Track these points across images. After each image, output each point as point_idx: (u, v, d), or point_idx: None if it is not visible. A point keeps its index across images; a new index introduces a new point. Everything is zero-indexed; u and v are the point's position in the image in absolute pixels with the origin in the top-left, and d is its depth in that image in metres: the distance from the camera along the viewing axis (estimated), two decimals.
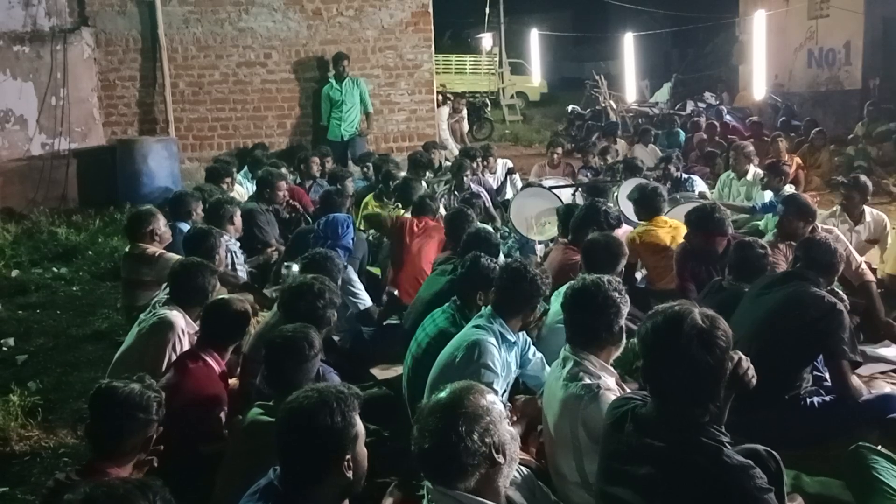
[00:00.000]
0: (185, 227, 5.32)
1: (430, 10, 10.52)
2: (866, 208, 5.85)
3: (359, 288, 4.84)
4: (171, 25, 9.86)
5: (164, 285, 4.04)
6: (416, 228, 5.71)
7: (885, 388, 3.72)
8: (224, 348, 3.45)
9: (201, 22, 9.96)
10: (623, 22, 22.95)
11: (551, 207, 6.33)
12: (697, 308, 2.16)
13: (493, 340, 3.18)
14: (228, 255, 5.12)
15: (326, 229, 5.52)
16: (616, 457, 2.23)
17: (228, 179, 7.15)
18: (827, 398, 3.35)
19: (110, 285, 6.53)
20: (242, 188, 7.78)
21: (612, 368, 2.81)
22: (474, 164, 7.91)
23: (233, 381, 3.65)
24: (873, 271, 5.09)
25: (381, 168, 7.75)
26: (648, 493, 2.10)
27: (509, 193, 8.13)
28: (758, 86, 14.16)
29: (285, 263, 5.26)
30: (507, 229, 6.86)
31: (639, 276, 5.39)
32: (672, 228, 5.21)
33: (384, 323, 4.97)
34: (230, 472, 2.75)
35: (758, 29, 13.48)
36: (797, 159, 10.02)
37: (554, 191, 6.96)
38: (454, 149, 12.72)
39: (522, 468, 2.36)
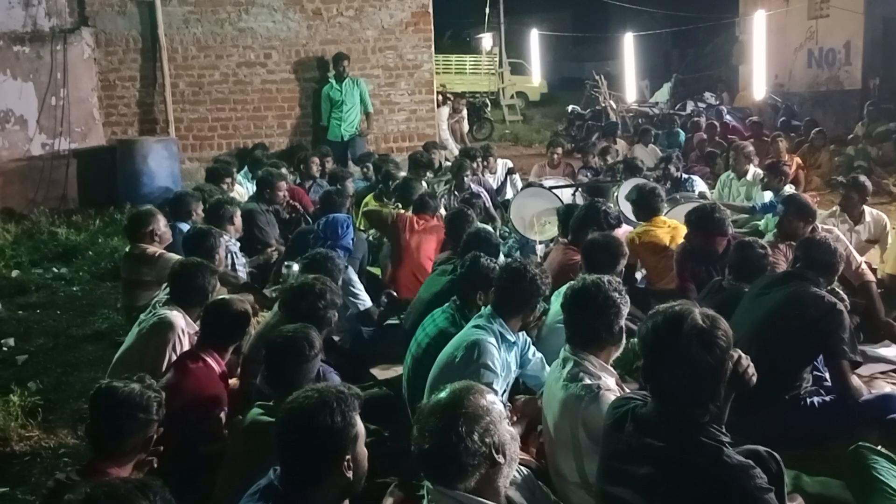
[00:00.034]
0: (186, 227, 5.32)
1: (430, 10, 10.52)
2: (866, 208, 5.85)
3: (359, 288, 4.84)
4: (171, 25, 9.86)
5: (165, 285, 4.04)
6: (416, 225, 5.73)
7: (885, 388, 3.71)
8: (224, 348, 3.45)
9: (201, 22, 9.97)
10: (623, 22, 22.95)
11: (551, 207, 6.33)
12: (698, 308, 2.16)
13: (492, 340, 3.18)
14: (228, 255, 5.13)
15: (326, 230, 5.52)
16: (616, 456, 2.23)
17: (228, 180, 7.15)
18: (827, 398, 3.35)
19: (110, 285, 6.53)
20: (242, 188, 7.78)
21: (611, 369, 2.81)
22: (474, 165, 7.91)
23: (233, 382, 3.65)
24: (873, 271, 5.09)
25: (381, 168, 7.75)
26: (648, 493, 2.10)
27: (509, 193, 8.13)
28: (758, 86, 14.16)
29: (285, 263, 5.26)
30: (507, 229, 6.86)
31: (638, 276, 5.38)
32: (671, 228, 5.22)
33: (384, 323, 4.98)
34: (230, 473, 2.75)
35: (758, 29, 13.49)
36: (797, 159, 10.03)
37: (554, 191, 6.96)
38: (454, 149, 12.72)
39: (522, 468, 2.36)
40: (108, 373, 3.67)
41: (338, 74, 9.89)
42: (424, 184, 7.20)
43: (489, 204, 7.38)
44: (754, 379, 2.24)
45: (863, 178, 6.09)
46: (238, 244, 5.48)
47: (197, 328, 3.67)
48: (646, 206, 5.38)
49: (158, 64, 9.88)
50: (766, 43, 13.52)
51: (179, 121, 10.04)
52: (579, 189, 7.41)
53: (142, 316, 3.91)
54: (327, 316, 3.41)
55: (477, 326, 3.25)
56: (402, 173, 7.68)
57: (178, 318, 3.69)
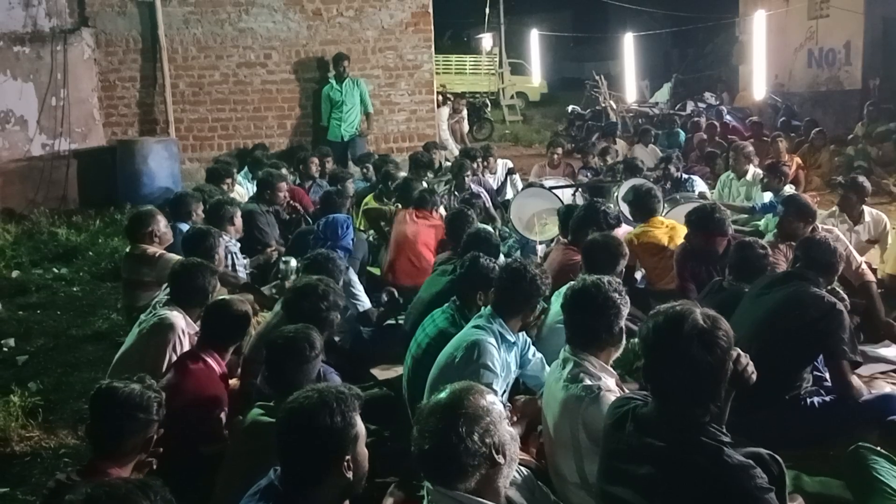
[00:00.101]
0: (186, 227, 5.32)
1: (430, 10, 10.52)
2: (866, 208, 5.85)
3: (359, 290, 4.86)
4: (172, 26, 9.87)
5: (165, 286, 4.05)
6: (414, 218, 5.86)
7: (885, 388, 3.71)
8: (224, 349, 3.46)
9: (201, 22, 9.97)
10: (623, 22, 22.95)
11: (551, 208, 6.33)
12: (699, 308, 2.16)
13: (492, 341, 3.18)
14: (229, 255, 5.13)
15: (326, 230, 5.52)
16: (617, 456, 2.23)
17: (229, 180, 7.15)
18: (827, 398, 3.35)
19: (110, 286, 6.54)
20: (243, 189, 7.78)
21: (611, 369, 2.81)
22: (474, 165, 7.91)
23: (233, 382, 3.65)
24: (873, 271, 5.09)
25: (381, 168, 7.76)
26: (649, 493, 2.11)
27: (509, 194, 8.13)
28: (758, 86, 14.15)
29: (283, 258, 5.28)
30: (507, 229, 6.86)
31: (638, 275, 5.38)
32: (669, 228, 5.21)
33: (384, 323, 4.98)
34: (230, 473, 2.75)
35: (758, 29, 13.48)
36: (797, 159, 10.03)
37: (554, 191, 6.96)
38: (454, 149, 12.73)
39: (522, 468, 2.36)
40: (109, 373, 3.67)
41: (338, 75, 9.90)
42: (425, 184, 7.20)
43: (489, 204, 7.39)
44: (754, 377, 2.24)
45: (861, 178, 6.08)
46: (238, 245, 5.48)
47: (197, 328, 3.67)
48: (642, 206, 5.38)
49: (158, 64, 9.88)
50: (766, 43, 13.52)
51: (179, 121, 10.04)
52: (579, 189, 7.41)
53: (142, 316, 3.91)
54: (329, 317, 3.41)
55: (477, 327, 3.25)
56: (403, 173, 7.68)
57: (178, 318, 3.69)
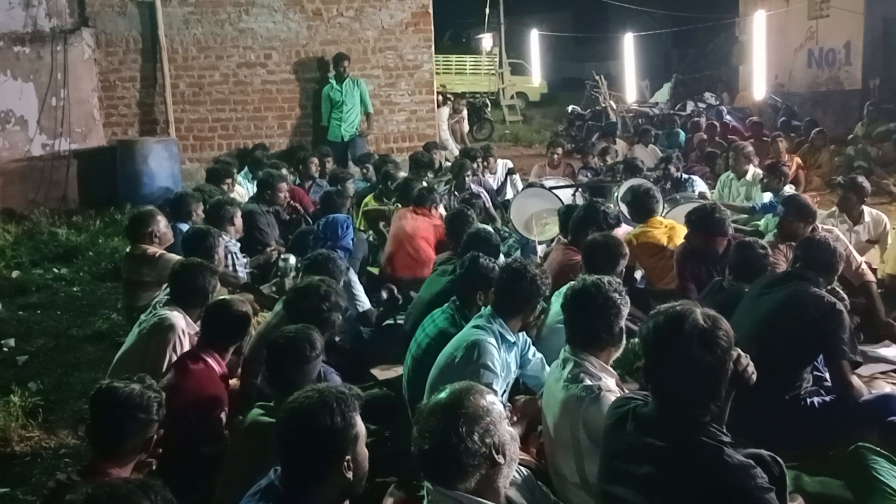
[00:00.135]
0: (186, 227, 5.32)
1: (430, 10, 10.52)
2: (865, 209, 5.84)
3: (359, 290, 4.86)
4: (172, 26, 9.87)
5: (165, 286, 4.05)
6: (413, 215, 5.94)
7: (885, 388, 3.71)
8: (225, 349, 3.46)
9: (201, 23, 9.97)
10: (623, 22, 22.95)
11: (552, 208, 6.34)
12: (699, 308, 2.16)
13: (492, 341, 3.18)
14: (229, 255, 5.13)
15: (326, 230, 5.53)
16: (617, 456, 2.23)
17: (229, 180, 7.16)
18: (827, 398, 3.35)
19: (111, 286, 6.54)
20: (243, 189, 7.79)
21: (611, 369, 2.81)
22: (474, 165, 7.92)
23: (233, 382, 3.65)
24: (873, 271, 5.09)
25: (381, 168, 7.77)
26: (649, 493, 2.11)
27: (509, 194, 8.13)
28: (758, 86, 14.15)
29: (282, 256, 5.28)
30: (507, 229, 6.86)
31: (638, 275, 5.38)
32: (668, 228, 5.21)
33: (384, 323, 4.99)
34: (231, 473, 2.75)
35: (758, 29, 13.48)
36: (797, 159, 10.03)
37: (554, 191, 6.96)
38: (454, 149, 12.73)
39: (522, 468, 2.36)
40: (109, 373, 3.67)
41: (338, 75, 9.90)
42: (425, 184, 7.20)
43: (489, 204, 7.39)
44: (754, 378, 2.24)
45: (860, 178, 6.08)
46: (238, 245, 5.48)
47: (197, 329, 3.67)
48: (641, 207, 5.38)
49: (159, 64, 9.88)
50: (766, 43, 13.51)
51: (180, 121, 10.04)
52: (580, 189, 7.41)
53: (142, 316, 3.91)
54: (331, 318, 3.40)
55: (477, 327, 3.25)
56: (402, 173, 7.69)
57: (178, 318, 3.69)
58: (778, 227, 5.02)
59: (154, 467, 2.62)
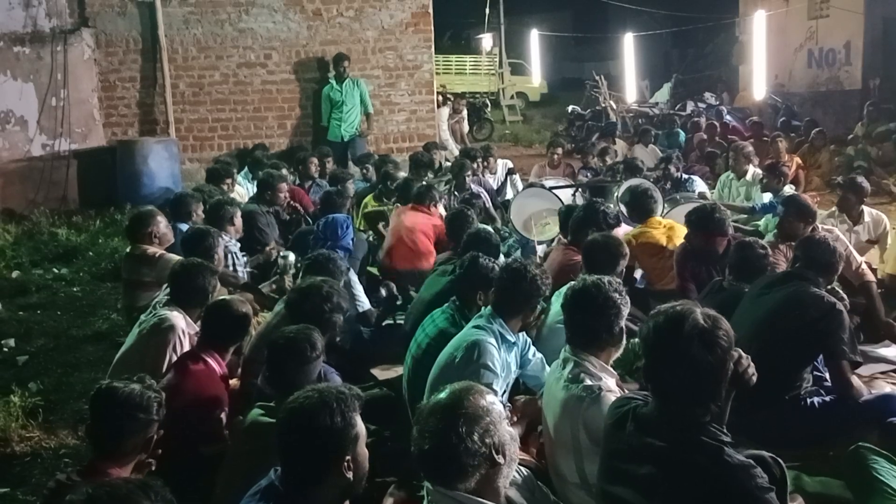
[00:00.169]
0: (186, 227, 5.32)
1: (430, 10, 10.53)
2: (865, 209, 5.84)
3: (359, 290, 4.87)
4: (172, 26, 9.87)
5: (165, 286, 4.05)
6: (414, 212, 6.00)
7: (885, 388, 3.71)
8: (225, 349, 3.46)
9: (201, 23, 9.97)
10: (623, 22, 22.96)
11: (552, 208, 6.34)
12: (699, 308, 2.16)
13: (492, 341, 3.18)
14: (229, 255, 5.13)
15: (326, 230, 5.53)
16: (617, 456, 2.23)
17: (229, 180, 7.16)
18: (827, 398, 3.35)
19: (111, 286, 6.54)
20: (243, 189, 7.79)
21: (612, 369, 2.81)
22: (474, 165, 7.92)
23: (233, 382, 3.65)
24: (873, 271, 5.09)
25: (381, 168, 7.77)
26: (649, 493, 2.11)
27: (509, 194, 8.13)
28: (758, 86, 14.14)
29: (281, 253, 5.28)
30: (508, 230, 6.86)
31: (637, 275, 5.38)
32: (667, 229, 5.21)
33: (383, 323, 4.99)
34: (231, 473, 2.75)
35: (758, 29, 13.47)
36: (797, 159, 10.04)
37: (554, 191, 6.96)
38: (454, 149, 12.73)
39: (522, 468, 2.36)
40: (109, 373, 3.67)
41: (338, 75, 9.90)
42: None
43: (489, 204, 7.40)
44: (755, 378, 2.24)
45: (860, 178, 6.08)
46: (238, 245, 5.48)
47: (197, 329, 3.67)
48: (639, 207, 5.38)
49: (159, 65, 9.88)
50: (766, 43, 13.51)
51: (180, 121, 10.04)
52: (580, 189, 7.41)
53: (142, 317, 3.91)
54: (332, 319, 3.39)
55: (477, 327, 3.25)
56: (402, 174, 7.69)
57: (178, 318, 3.69)
58: (778, 227, 5.02)
59: (153, 468, 2.62)
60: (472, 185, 7.53)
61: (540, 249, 6.06)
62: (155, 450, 2.63)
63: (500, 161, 9.23)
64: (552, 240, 6.05)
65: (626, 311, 2.83)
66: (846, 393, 3.27)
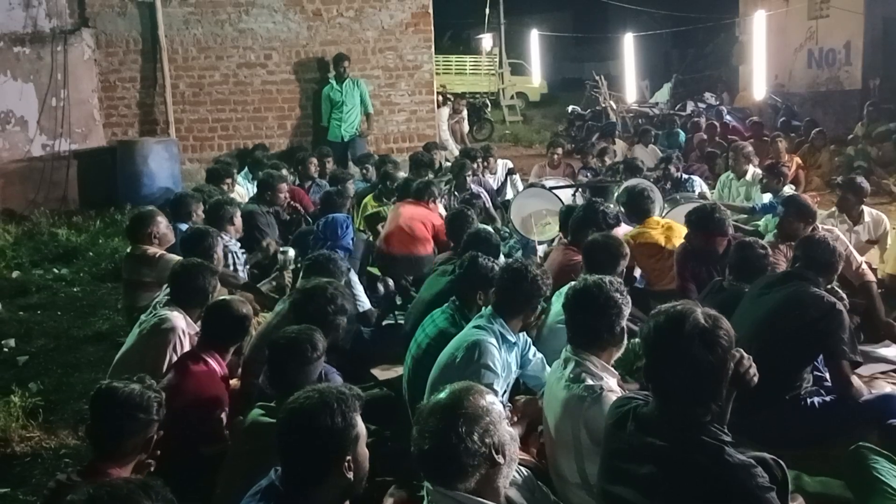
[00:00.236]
0: (186, 228, 5.32)
1: (430, 10, 10.53)
2: (865, 209, 5.84)
3: (359, 290, 4.86)
4: (172, 27, 9.87)
5: (165, 286, 4.05)
6: (413, 206, 6.09)
7: (885, 388, 3.71)
8: (225, 349, 3.46)
9: (201, 23, 9.97)
10: (623, 22, 22.96)
11: (552, 208, 6.34)
12: (700, 307, 2.16)
13: (493, 341, 3.18)
14: (230, 255, 5.13)
15: (326, 230, 5.53)
16: (618, 456, 2.23)
17: (229, 180, 7.16)
18: (827, 398, 3.34)
19: (111, 286, 6.54)
20: (243, 189, 7.79)
21: (613, 369, 2.81)
22: (474, 165, 7.92)
23: (233, 382, 3.66)
24: (873, 271, 5.09)
25: (381, 168, 7.78)
26: (650, 492, 2.11)
27: (509, 194, 8.14)
28: (758, 86, 14.14)
29: (281, 249, 5.28)
30: (508, 230, 6.86)
31: (637, 274, 5.38)
32: (665, 228, 5.20)
33: (383, 323, 4.99)
34: (231, 473, 2.76)
35: (758, 29, 13.47)
36: (797, 159, 10.03)
37: (554, 191, 6.96)
38: (454, 149, 12.73)
39: (522, 468, 2.36)
40: (109, 374, 3.67)
41: (338, 75, 9.90)
42: None
43: (489, 204, 7.40)
44: (756, 379, 2.24)
45: (859, 179, 6.07)
46: (239, 244, 5.48)
47: (197, 329, 3.67)
48: (636, 208, 5.37)
49: (159, 65, 9.88)
50: (766, 43, 13.51)
51: (180, 122, 10.05)
52: (580, 189, 7.41)
53: (142, 317, 3.91)
54: (336, 321, 3.39)
55: (477, 327, 3.25)
56: (402, 174, 7.69)
57: (178, 318, 3.69)
58: (778, 228, 5.02)
59: (153, 468, 2.62)
60: (472, 185, 7.53)
61: (540, 249, 6.06)
62: (155, 450, 2.63)
63: (500, 161, 9.23)
64: (552, 240, 6.05)
65: (627, 310, 2.83)
66: (846, 393, 3.27)
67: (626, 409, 2.25)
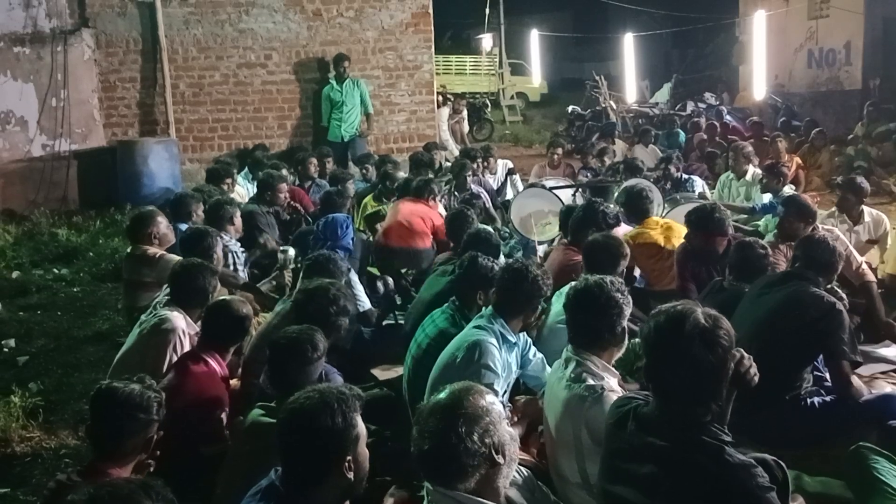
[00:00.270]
0: (186, 228, 5.32)
1: (431, 10, 10.53)
2: (865, 209, 5.84)
3: (359, 290, 4.86)
4: (172, 27, 9.87)
5: (165, 286, 4.05)
6: (413, 204, 6.12)
7: (885, 388, 3.71)
8: (225, 349, 3.46)
9: (202, 23, 9.98)
10: (623, 22, 22.95)
11: (552, 208, 6.34)
12: (700, 307, 2.16)
13: (493, 341, 3.18)
14: (230, 255, 5.13)
15: (326, 230, 5.53)
16: (618, 456, 2.23)
17: (229, 180, 7.16)
18: (827, 398, 3.35)
19: (111, 286, 6.54)
20: (243, 189, 7.79)
21: (614, 369, 2.81)
22: (475, 165, 7.92)
23: (234, 382, 3.66)
24: (873, 271, 5.09)
25: (381, 168, 7.78)
26: (650, 492, 2.11)
27: (510, 194, 8.14)
28: (758, 86, 14.13)
29: (281, 248, 5.28)
30: (508, 230, 6.87)
31: (637, 273, 5.38)
32: (664, 228, 5.20)
33: (383, 323, 4.99)
34: (231, 473, 2.76)
35: (758, 29, 13.47)
36: (797, 159, 10.04)
37: (554, 191, 6.96)
38: (454, 149, 12.73)
39: (522, 469, 2.36)
40: (109, 374, 3.67)
41: (338, 75, 9.90)
42: None
43: (489, 204, 7.40)
44: (756, 379, 2.24)
45: (859, 179, 6.07)
46: (239, 244, 5.48)
47: (198, 329, 3.67)
48: (635, 208, 5.37)
49: (159, 65, 9.89)
50: (766, 43, 13.50)
51: (180, 122, 10.05)
52: (580, 189, 7.41)
53: (142, 317, 3.91)
54: (337, 322, 3.39)
55: (478, 327, 3.25)
56: (402, 174, 7.69)
57: (178, 318, 3.69)
58: (778, 228, 5.02)
59: (153, 468, 2.62)
60: (472, 186, 7.53)
61: (540, 249, 6.06)
62: (155, 450, 2.63)
63: (500, 161, 9.23)
64: (552, 240, 6.05)
65: (628, 310, 2.83)
66: (846, 393, 3.27)
67: (626, 409, 2.26)
